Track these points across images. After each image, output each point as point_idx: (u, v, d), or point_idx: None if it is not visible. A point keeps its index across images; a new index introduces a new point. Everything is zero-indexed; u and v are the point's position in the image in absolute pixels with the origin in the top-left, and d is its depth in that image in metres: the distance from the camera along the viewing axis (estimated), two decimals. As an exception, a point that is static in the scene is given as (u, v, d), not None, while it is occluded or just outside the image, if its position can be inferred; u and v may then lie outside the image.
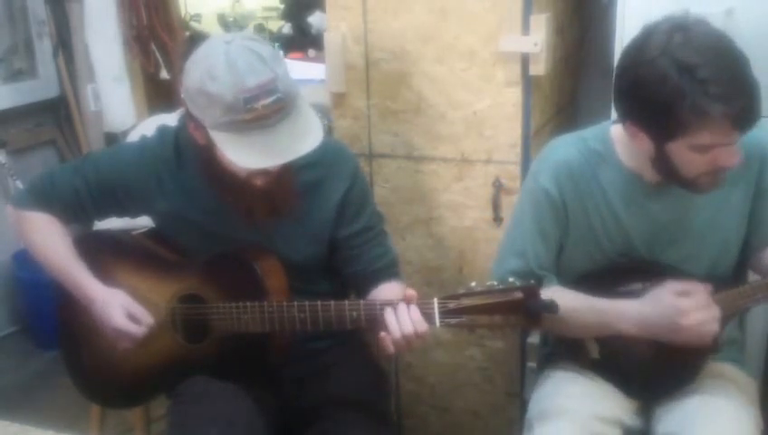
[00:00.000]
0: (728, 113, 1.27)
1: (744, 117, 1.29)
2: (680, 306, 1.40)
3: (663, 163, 1.40)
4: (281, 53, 2.94)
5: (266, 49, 1.41)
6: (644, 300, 1.45)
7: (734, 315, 1.58)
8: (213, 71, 1.37)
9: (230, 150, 1.40)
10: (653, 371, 1.54)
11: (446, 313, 1.34)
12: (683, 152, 1.35)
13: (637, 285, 1.50)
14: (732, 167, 1.37)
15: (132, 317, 1.57)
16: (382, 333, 1.40)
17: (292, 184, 1.56)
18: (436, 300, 1.35)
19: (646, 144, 1.39)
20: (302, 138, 1.42)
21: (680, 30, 1.32)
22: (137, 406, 1.98)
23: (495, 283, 1.34)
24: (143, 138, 1.69)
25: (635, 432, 1.56)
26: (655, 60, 1.31)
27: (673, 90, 1.29)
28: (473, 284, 1.34)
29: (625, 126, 1.42)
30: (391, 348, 1.40)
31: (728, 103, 1.27)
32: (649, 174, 1.49)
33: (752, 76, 1.30)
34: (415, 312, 1.38)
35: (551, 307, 1.34)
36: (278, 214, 1.57)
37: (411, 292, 1.40)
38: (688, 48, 1.29)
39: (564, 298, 1.42)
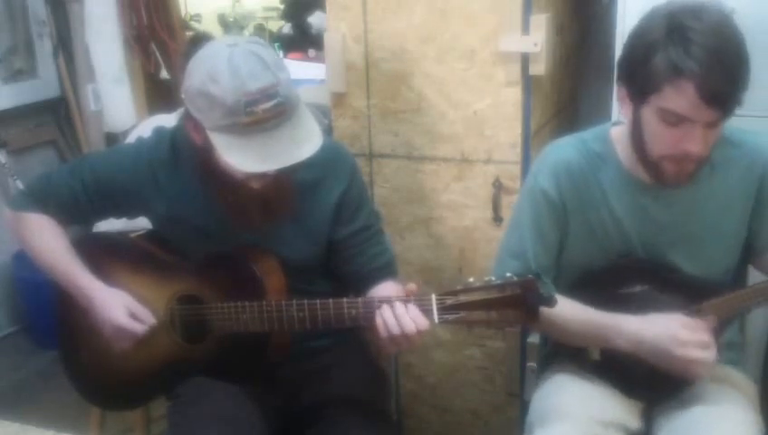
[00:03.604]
0: (698, 76, 1.25)
1: (714, 91, 1.26)
2: (679, 337, 1.39)
3: (636, 134, 1.39)
4: (284, 58, 2.95)
5: (269, 54, 1.41)
6: (645, 321, 1.44)
7: (734, 318, 1.58)
8: (215, 73, 1.37)
9: (228, 153, 1.39)
10: (654, 373, 1.53)
11: (443, 309, 1.34)
12: (653, 120, 1.34)
13: (637, 287, 1.50)
14: (695, 155, 1.34)
15: (134, 316, 1.57)
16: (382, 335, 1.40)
17: (289, 187, 1.56)
18: (434, 296, 1.35)
19: (627, 109, 1.40)
20: (301, 143, 1.41)
21: (696, 3, 1.31)
22: (136, 408, 1.98)
23: (493, 278, 1.34)
24: (140, 139, 1.69)
25: None
26: (654, 11, 1.32)
27: (655, 39, 1.29)
28: (471, 279, 1.34)
29: (618, 91, 1.41)
30: (391, 348, 1.40)
31: (703, 68, 1.25)
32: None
33: (742, 70, 1.29)
34: (413, 309, 1.37)
35: (548, 301, 1.33)
36: (273, 216, 1.56)
37: (412, 286, 1.40)
38: (692, 15, 1.29)
39: (563, 308, 1.41)
